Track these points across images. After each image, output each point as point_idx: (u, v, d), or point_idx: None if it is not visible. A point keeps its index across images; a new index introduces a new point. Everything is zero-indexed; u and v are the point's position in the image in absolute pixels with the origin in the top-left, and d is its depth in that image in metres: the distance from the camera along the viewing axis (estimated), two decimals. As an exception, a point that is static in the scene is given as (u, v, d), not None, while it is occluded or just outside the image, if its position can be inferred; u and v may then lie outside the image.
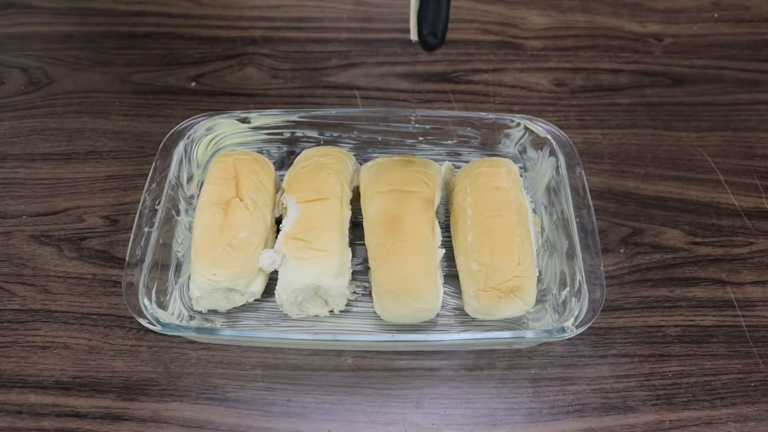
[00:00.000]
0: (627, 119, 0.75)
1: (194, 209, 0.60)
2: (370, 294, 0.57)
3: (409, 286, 0.54)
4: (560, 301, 0.56)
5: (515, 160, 0.64)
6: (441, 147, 0.68)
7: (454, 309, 0.60)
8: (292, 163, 0.64)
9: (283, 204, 0.60)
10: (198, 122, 0.64)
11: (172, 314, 0.56)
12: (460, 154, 0.68)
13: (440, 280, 0.57)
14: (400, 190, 0.58)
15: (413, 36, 0.51)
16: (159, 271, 0.57)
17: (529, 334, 0.53)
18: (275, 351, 0.58)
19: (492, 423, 0.55)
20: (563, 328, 0.52)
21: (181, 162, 0.62)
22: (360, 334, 0.58)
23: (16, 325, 0.60)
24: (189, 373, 0.57)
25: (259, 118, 0.65)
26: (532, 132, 0.64)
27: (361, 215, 0.60)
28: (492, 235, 0.56)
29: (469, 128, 0.66)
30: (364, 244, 0.58)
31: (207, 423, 0.55)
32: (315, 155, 0.62)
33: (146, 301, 0.54)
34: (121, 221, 0.66)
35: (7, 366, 0.57)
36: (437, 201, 0.59)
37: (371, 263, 0.56)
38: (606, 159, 0.72)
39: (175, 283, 0.58)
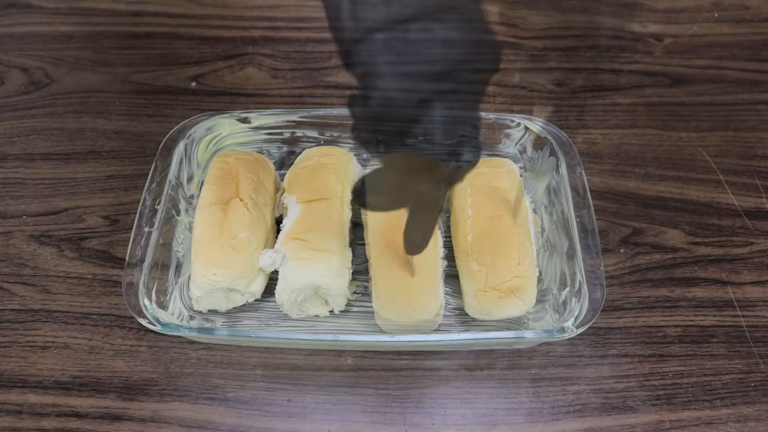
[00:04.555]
0: (627, 119, 0.75)
1: (194, 209, 0.60)
2: (370, 294, 0.57)
3: (411, 298, 0.54)
4: (560, 301, 0.56)
5: (515, 160, 0.64)
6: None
7: (454, 309, 0.60)
8: (292, 163, 0.64)
9: (283, 204, 0.60)
10: (198, 122, 0.64)
11: (172, 314, 0.56)
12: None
13: (442, 291, 0.56)
14: None
15: None
16: (159, 271, 0.57)
17: (529, 334, 0.53)
18: (275, 351, 0.58)
19: (492, 423, 0.55)
20: (563, 328, 0.52)
21: (181, 162, 0.62)
22: (360, 334, 0.58)
23: (16, 325, 0.60)
24: (189, 373, 0.57)
25: (259, 118, 0.65)
26: (532, 132, 0.64)
27: (362, 215, 0.59)
28: (492, 235, 0.56)
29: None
30: (364, 244, 0.58)
31: (207, 423, 0.55)
32: (315, 155, 0.62)
33: (146, 301, 0.54)
34: (121, 221, 0.66)
35: (7, 366, 0.57)
36: None
37: (372, 274, 0.56)
38: (606, 159, 0.72)
39: (175, 283, 0.58)
